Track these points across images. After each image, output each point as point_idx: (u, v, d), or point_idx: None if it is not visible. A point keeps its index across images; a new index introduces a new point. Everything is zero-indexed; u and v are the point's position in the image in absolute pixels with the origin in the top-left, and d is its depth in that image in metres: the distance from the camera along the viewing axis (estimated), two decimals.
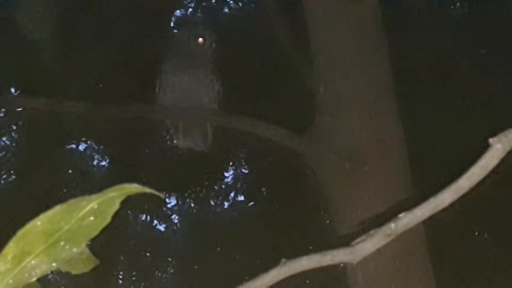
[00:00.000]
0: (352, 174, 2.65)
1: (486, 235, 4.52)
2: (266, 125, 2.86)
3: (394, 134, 2.74)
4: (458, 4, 4.39)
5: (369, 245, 0.83)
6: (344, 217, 2.68)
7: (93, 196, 0.69)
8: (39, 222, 0.67)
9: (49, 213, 0.68)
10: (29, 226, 0.67)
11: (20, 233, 0.66)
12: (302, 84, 2.97)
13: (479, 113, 3.76)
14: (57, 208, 0.68)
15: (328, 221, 2.87)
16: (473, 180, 0.82)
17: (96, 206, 0.68)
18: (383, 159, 2.67)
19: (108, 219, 0.68)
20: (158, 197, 5.12)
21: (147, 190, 0.73)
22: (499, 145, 0.82)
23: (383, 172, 2.66)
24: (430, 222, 0.89)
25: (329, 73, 2.78)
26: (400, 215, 0.90)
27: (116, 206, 0.70)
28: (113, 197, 0.70)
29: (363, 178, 2.64)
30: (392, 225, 0.87)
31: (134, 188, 0.72)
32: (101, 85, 4.22)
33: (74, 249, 0.67)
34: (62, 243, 0.66)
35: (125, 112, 3.24)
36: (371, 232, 0.84)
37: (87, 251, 0.71)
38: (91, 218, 0.67)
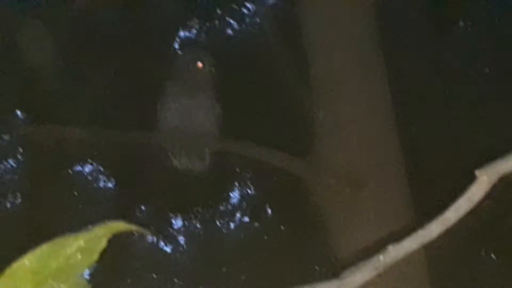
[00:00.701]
0: (352, 198, 2.66)
1: (492, 255, 4.50)
2: (265, 150, 2.87)
3: (394, 158, 2.75)
4: (461, 22, 4.39)
5: (358, 277, 0.83)
6: (345, 241, 2.68)
7: (80, 234, 0.69)
8: (26, 261, 0.67)
9: (36, 251, 0.68)
10: (16, 265, 0.67)
11: (7, 272, 0.67)
12: (302, 108, 2.98)
13: (479, 136, 3.76)
14: (44, 247, 0.69)
15: (329, 244, 2.86)
16: (460, 212, 0.83)
17: (83, 244, 0.69)
18: (383, 183, 2.68)
19: (95, 257, 0.69)
20: (164, 218, 5.12)
21: (134, 228, 0.74)
22: (485, 177, 0.82)
23: (383, 196, 2.67)
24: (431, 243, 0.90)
25: (329, 97, 2.80)
26: (389, 247, 0.91)
27: (103, 243, 0.71)
28: (100, 235, 0.71)
29: (363, 202, 2.65)
30: (381, 257, 0.87)
31: (121, 225, 0.73)
32: (104, 109, 4.24)
33: (62, 286, 0.68)
34: (50, 281, 0.67)
35: (128, 137, 3.27)
36: (360, 264, 0.85)
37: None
38: (79, 256, 0.68)
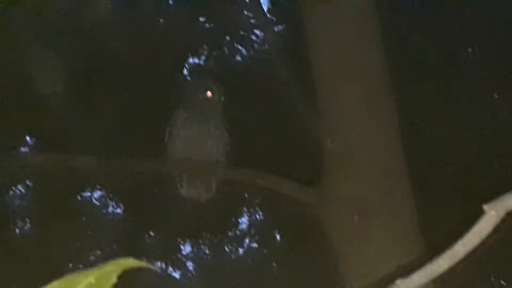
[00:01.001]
0: (361, 227, 2.66)
1: (502, 281, 4.48)
2: (274, 178, 2.88)
3: (403, 188, 2.75)
4: (470, 49, 4.40)
5: None
6: (354, 270, 2.68)
7: (90, 271, 0.70)
8: None
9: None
10: None
11: None
12: (311, 136, 2.99)
13: (487, 169, 3.76)
14: (55, 283, 0.69)
15: (338, 273, 2.86)
16: (468, 246, 0.84)
17: (93, 281, 0.69)
18: (392, 212, 2.68)
19: None
20: (173, 243, 5.11)
21: (144, 264, 0.74)
22: (493, 212, 0.83)
23: (392, 225, 2.67)
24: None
25: (337, 126, 2.81)
26: (397, 282, 0.91)
27: (113, 280, 0.71)
28: (110, 272, 0.71)
29: (372, 231, 2.65)
30: None
31: (131, 262, 0.73)
32: (114, 137, 4.25)
33: None
34: None
35: (137, 165, 3.28)
36: None
37: None
38: None
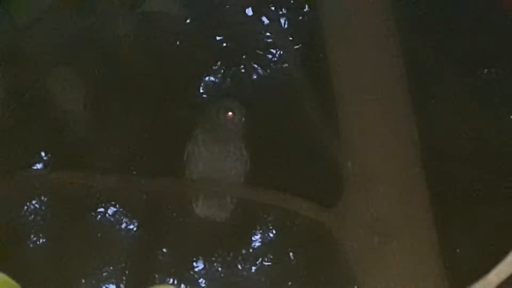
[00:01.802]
0: (380, 249, 2.65)
1: None
2: (293, 199, 2.88)
3: (423, 209, 2.74)
4: (486, 70, 4.40)
5: None
6: None
7: None
8: None
9: None
10: None
11: None
12: (330, 157, 2.99)
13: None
14: None
15: None
16: (501, 276, 0.84)
17: None
18: (411, 234, 2.67)
19: None
20: (186, 260, 5.10)
21: None
22: None
23: (412, 247, 2.66)
24: None
25: (357, 147, 2.80)
26: None
27: None
28: None
29: (392, 253, 2.64)
30: None
31: None
32: (129, 155, 4.27)
33: None
34: None
35: (151, 184, 3.30)
36: None
37: None
38: None
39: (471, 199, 3.85)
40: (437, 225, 2.77)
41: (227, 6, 4.25)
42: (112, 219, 5.06)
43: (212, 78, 4.62)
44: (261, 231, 5.09)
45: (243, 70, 4.51)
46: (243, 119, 3.29)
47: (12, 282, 0.70)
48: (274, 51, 4.51)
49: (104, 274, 5.05)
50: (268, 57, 4.53)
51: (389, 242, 2.65)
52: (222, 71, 4.55)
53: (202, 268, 5.28)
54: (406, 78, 2.92)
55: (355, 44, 2.91)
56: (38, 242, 4.87)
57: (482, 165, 3.87)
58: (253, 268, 5.18)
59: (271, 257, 5.07)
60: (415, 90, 2.95)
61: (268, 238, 5.10)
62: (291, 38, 4.02)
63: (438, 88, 3.92)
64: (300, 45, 4.13)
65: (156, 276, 5.10)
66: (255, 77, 4.55)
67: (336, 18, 2.98)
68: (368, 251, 2.69)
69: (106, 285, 5.06)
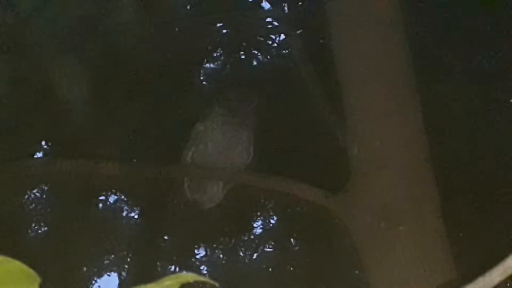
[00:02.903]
0: (387, 234, 2.65)
1: None
2: (299, 185, 2.88)
3: (429, 194, 2.74)
4: (492, 53, 4.37)
5: None
6: (379, 278, 2.67)
7: (148, 285, 0.70)
8: None
9: None
10: None
11: None
12: (335, 143, 2.98)
13: None
14: None
15: (362, 281, 2.86)
16: None
17: None
18: (418, 220, 2.67)
19: None
20: (187, 248, 5.11)
21: (202, 278, 0.74)
22: None
23: (419, 232, 2.66)
24: None
25: (363, 132, 2.80)
26: None
27: None
28: (168, 286, 0.71)
29: (399, 238, 2.64)
30: None
31: (189, 277, 0.74)
32: (130, 143, 4.27)
33: None
34: None
35: (153, 171, 3.30)
36: None
37: None
38: None
39: (479, 185, 3.85)
40: (444, 210, 2.77)
41: None
42: (113, 206, 5.05)
43: (212, 65, 4.61)
44: (262, 218, 5.08)
45: (243, 57, 4.50)
46: (241, 103, 3.29)
47: (29, 270, 0.69)
48: (274, 37, 4.49)
49: (106, 262, 5.04)
50: (268, 43, 4.52)
51: (396, 227, 2.65)
52: (222, 57, 4.54)
53: (204, 255, 5.27)
54: (414, 64, 2.91)
55: (359, 29, 2.90)
56: (39, 231, 4.86)
57: (490, 148, 3.86)
58: (255, 254, 5.18)
59: (273, 243, 5.06)
60: (422, 77, 2.94)
61: (270, 224, 5.09)
62: (292, 23, 4.00)
63: (444, 73, 3.91)
64: (302, 30, 4.11)
65: (158, 263, 5.10)
66: (255, 63, 4.54)
67: (339, 2, 2.96)
68: (375, 237, 2.69)
69: (108, 273, 5.06)
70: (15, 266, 0.67)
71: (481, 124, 3.88)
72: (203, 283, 4.79)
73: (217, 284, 0.75)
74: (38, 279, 0.68)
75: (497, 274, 0.84)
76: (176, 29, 4.24)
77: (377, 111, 2.81)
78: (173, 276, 0.72)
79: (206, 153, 3.31)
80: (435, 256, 2.65)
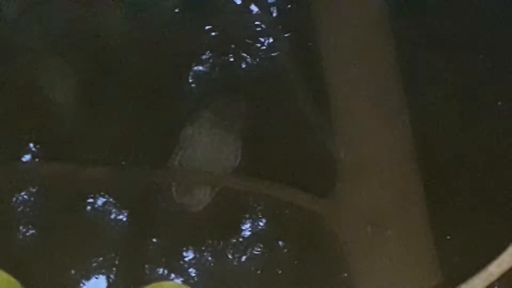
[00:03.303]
0: (374, 238, 2.66)
1: None
2: (286, 189, 2.88)
3: (417, 198, 2.74)
4: (480, 56, 4.37)
5: None
6: (366, 281, 2.68)
7: None
8: None
9: None
10: None
11: None
12: (323, 147, 2.99)
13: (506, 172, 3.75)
14: None
15: (345, 282, 2.87)
16: (503, 267, 0.84)
17: None
18: (405, 223, 2.68)
19: None
20: (176, 250, 5.10)
21: (182, 286, 0.75)
22: None
23: (406, 236, 2.67)
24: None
25: (350, 136, 2.80)
26: None
27: None
28: None
29: (386, 242, 2.65)
30: None
31: (172, 285, 0.74)
32: (119, 146, 4.26)
33: None
34: None
35: (141, 174, 3.30)
36: None
37: None
38: None
39: (465, 188, 3.86)
40: (431, 214, 2.78)
41: None
42: (102, 209, 5.04)
43: (201, 68, 4.60)
44: (251, 221, 5.08)
45: (232, 59, 4.50)
46: (229, 105, 3.30)
47: (11, 279, 0.69)
48: (263, 40, 4.50)
49: (94, 264, 5.03)
50: (257, 46, 4.52)
51: (383, 231, 2.66)
52: (211, 60, 4.54)
53: (192, 258, 5.27)
54: (400, 69, 2.91)
55: (346, 32, 2.91)
56: (27, 234, 4.85)
57: (478, 152, 3.87)
58: (243, 257, 5.18)
59: (261, 246, 5.07)
60: (409, 81, 2.95)
61: (258, 227, 5.09)
62: (281, 27, 4.00)
63: (431, 75, 3.92)
64: (290, 33, 4.11)
65: (146, 266, 5.09)
66: (244, 66, 4.54)
67: (326, 5, 2.97)
68: (362, 241, 2.70)
69: (96, 276, 5.05)
70: None
71: (468, 127, 3.89)
72: None
73: None
74: None
75: (479, 281, 0.85)
76: (165, 32, 4.24)
77: (364, 115, 2.82)
78: (155, 284, 0.73)
79: (194, 157, 3.30)
80: (421, 259, 2.67)
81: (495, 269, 0.84)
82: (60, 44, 3.43)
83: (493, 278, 0.84)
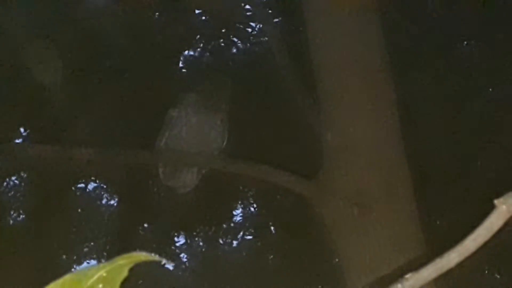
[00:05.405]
0: (360, 219, 2.66)
1: (496, 275, 4.48)
2: (273, 171, 2.88)
3: (403, 180, 2.75)
4: (465, 43, 4.39)
5: None
6: (353, 263, 2.68)
7: (101, 265, 0.70)
8: None
9: (59, 282, 0.69)
10: None
11: None
12: (310, 129, 2.99)
13: (493, 163, 3.75)
14: (67, 277, 0.69)
15: (337, 265, 2.87)
16: (478, 241, 0.83)
17: (104, 274, 0.69)
18: (391, 205, 2.69)
19: (117, 287, 0.69)
20: (167, 235, 5.11)
21: (156, 258, 0.74)
22: (504, 207, 0.82)
23: (392, 218, 2.68)
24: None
25: (337, 118, 2.81)
26: (407, 276, 0.91)
27: (124, 273, 0.71)
28: (121, 265, 0.71)
29: (372, 223, 2.65)
30: (399, 285, 0.88)
31: (142, 256, 0.74)
32: (109, 129, 4.25)
33: None
34: None
35: (132, 158, 3.28)
36: None
37: None
38: (100, 286, 0.68)
39: (452, 169, 3.87)
40: (417, 195, 2.78)
41: None
42: (92, 194, 5.03)
43: (191, 52, 4.59)
44: (242, 205, 5.09)
45: (222, 44, 4.49)
46: (219, 89, 3.29)
47: None
48: (253, 25, 4.49)
49: (85, 249, 5.03)
50: (247, 30, 4.52)
51: (369, 212, 2.66)
52: (202, 45, 4.53)
53: (184, 243, 5.27)
54: (387, 50, 2.92)
55: (335, 16, 2.91)
56: (18, 218, 4.84)
57: (463, 133, 3.88)
58: (235, 242, 5.18)
59: (252, 231, 5.07)
60: (396, 63, 2.95)
61: (249, 212, 5.09)
62: (270, 11, 4.00)
63: (420, 60, 3.92)
64: (279, 18, 4.11)
65: (137, 251, 5.08)
66: (234, 50, 4.54)
67: None
68: (348, 222, 2.71)
69: (87, 261, 5.05)
70: None
71: (455, 110, 3.90)
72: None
73: (164, 261, 0.75)
74: None
75: (454, 255, 0.84)
76: (155, 16, 4.23)
77: (352, 97, 2.82)
78: (125, 255, 0.72)
79: (180, 138, 3.30)
80: (408, 240, 2.67)
81: (471, 243, 0.83)
82: (49, 27, 3.42)
83: (468, 252, 0.83)
